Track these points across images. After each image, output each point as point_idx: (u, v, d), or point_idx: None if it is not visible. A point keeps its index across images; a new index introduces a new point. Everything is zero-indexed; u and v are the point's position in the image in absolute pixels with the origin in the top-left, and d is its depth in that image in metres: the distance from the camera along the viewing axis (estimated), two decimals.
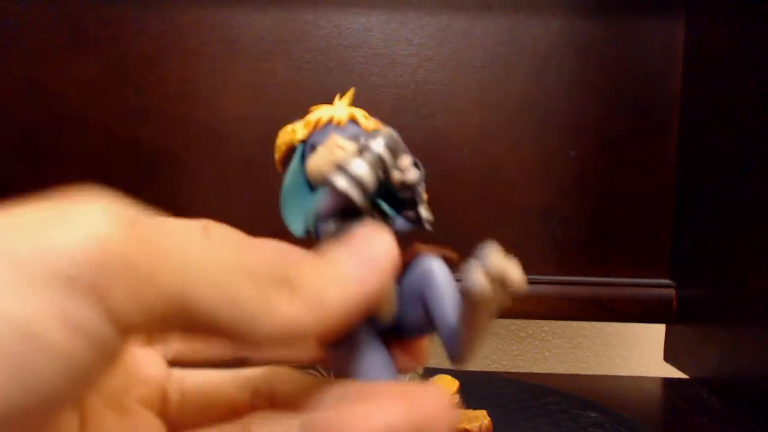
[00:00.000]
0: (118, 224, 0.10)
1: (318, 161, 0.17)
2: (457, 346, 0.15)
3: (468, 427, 0.35)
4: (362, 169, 0.15)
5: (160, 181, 0.61)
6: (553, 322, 0.73)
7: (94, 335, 0.09)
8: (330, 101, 0.19)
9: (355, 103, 0.18)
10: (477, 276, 0.14)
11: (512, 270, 0.14)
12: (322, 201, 0.16)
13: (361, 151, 0.16)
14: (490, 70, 0.61)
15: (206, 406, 0.17)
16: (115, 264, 0.09)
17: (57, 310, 0.09)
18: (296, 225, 0.17)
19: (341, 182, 0.15)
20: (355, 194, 0.15)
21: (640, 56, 0.61)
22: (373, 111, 0.23)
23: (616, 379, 0.60)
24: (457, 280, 0.15)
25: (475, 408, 0.39)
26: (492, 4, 0.61)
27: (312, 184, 0.17)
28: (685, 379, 0.59)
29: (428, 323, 0.16)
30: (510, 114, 0.62)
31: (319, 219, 0.16)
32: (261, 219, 0.58)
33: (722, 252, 0.54)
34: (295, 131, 0.18)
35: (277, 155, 0.18)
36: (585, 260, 0.63)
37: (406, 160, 0.17)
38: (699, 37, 0.59)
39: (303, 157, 0.17)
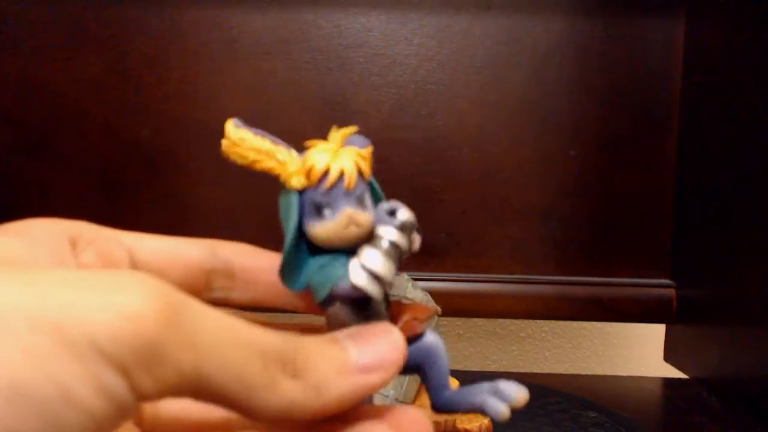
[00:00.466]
0: (152, 307, 0.11)
1: (330, 234, 0.16)
2: (445, 409, 0.18)
3: (468, 427, 0.35)
4: (379, 264, 0.15)
5: (160, 180, 0.61)
6: (553, 322, 0.73)
7: (117, 399, 0.11)
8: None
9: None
10: (502, 410, 0.17)
11: (525, 398, 0.17)
12: (337, 286, 0.16)
13: (377, 238, 0.16)
14: (490, 70, 0.61)
15: (181, 416, 0.18)
16: (144, 347, 0.11)
17: (92, 377, 0.11)
18: (293, 284, 0.17)
19: (361, 280, 0.15)
20: (374, 291, 0.16)
21: (640, 56, 0.61)
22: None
23: (616, 379, 0.60)
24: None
25: None
26: (492, 4, 0.61)
27: (312, 243, 0.16)
28: (685, 379, 0.58)
29: (415, 371, 0.18)
30: (510, 114, 0.62)
31: (330, 297, 0.16)
32: (260, 219, 0.58)
33: (722, 252, 0.54)
34: (286, 168, 0.16)
35: (241, 162, 0.16)
36: (585, 260, 0.63)
37: (416, 236, 0.17)
38: (699, 37, 0.59)
39: (301, 211, 0.16)
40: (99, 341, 0.11)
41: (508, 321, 0.74)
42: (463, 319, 0.73)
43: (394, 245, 0.16)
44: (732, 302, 0.52)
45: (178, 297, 0.12)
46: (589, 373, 0.73)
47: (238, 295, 0.19)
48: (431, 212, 0.62)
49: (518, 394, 0.16)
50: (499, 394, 0.16)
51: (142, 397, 0.11)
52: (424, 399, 0.39)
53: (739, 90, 0.52)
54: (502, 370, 0.73)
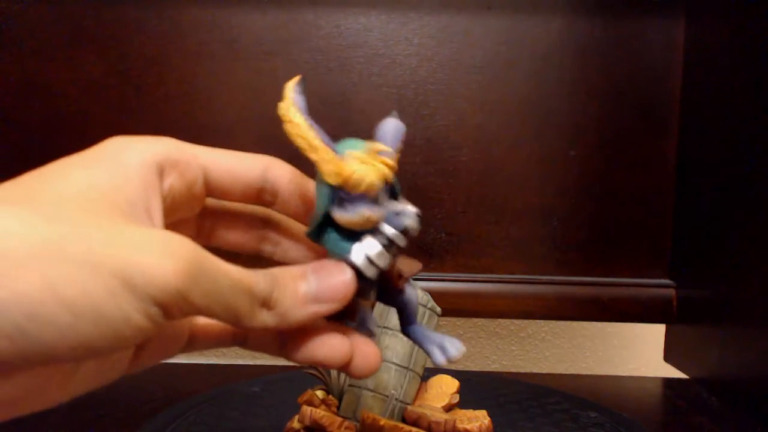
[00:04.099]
0: (180, 266, 0.16)
1: (347, 222, 0.20)
2: (410, 338, 0.24)
3: (468, 427, 0.35)
4: (375, 254, 0.20)
5: None
6: (554, 322, 0.73)
7: (156, 322, 0.16)
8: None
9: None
10: (442, 361, 0.22)
11: (461, 354, 0.23)
12: (344, 258, 0.20)
13: (380, 233, 0.20)
14: (490, 70, 0.61)
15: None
16: (173, 292, 0.16)
17: (143, 308, 0.15)
18: (317, 241, 0.21)
19: (359, 262, 0.20)
20: (368, 272, 0.20)
21: (640, 56, 0.61)
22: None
23: (616, 379, 0.60)
24: None
25: (475, 408, 0.39)
26: (492, 4, 0.61)
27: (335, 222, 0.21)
28: (685, 379, 0.59)
29: (394, 306, 0.23)
30: (510, 114, 0.62)
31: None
32: None
33: (722, 252, 0.54)
34: (325, 167, 0.19)
35: (290, 138, 0.20)
36: (585, 260, 0.63)
37: (414, 228, 0.21)
38: (699, 37, 0.59)
39: (330, 199, 0.20)
40: (149, 289, 0.15)
41: (508, 321, 0.74)
42: (463, 319, 0.73)
43: (391, 242, 0.20)
44: (732, 302, 0.52)
45: (197, 257, 0.16)
46: (589, 373, 0.73)
47: (278, 208, 0.24)
48: (431, 212, 0.62)
49: (457, 352, 0.22)
50: (443, 350, 0.22)
51: (171, 319, 0.16)
52: (424, 398, 0.39)
53: (739, 90, 0.52)
54: (502, 370, 0.73)
